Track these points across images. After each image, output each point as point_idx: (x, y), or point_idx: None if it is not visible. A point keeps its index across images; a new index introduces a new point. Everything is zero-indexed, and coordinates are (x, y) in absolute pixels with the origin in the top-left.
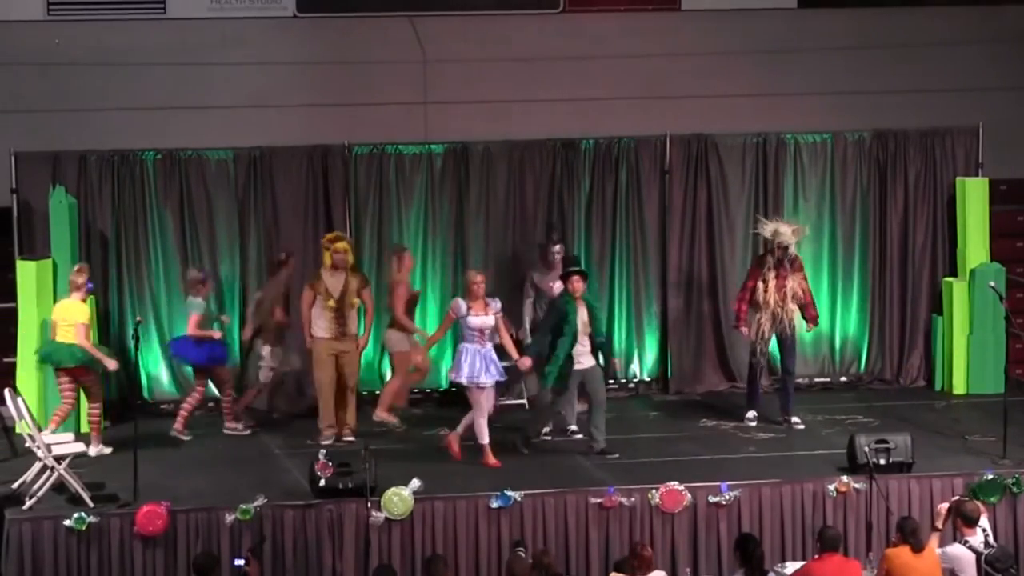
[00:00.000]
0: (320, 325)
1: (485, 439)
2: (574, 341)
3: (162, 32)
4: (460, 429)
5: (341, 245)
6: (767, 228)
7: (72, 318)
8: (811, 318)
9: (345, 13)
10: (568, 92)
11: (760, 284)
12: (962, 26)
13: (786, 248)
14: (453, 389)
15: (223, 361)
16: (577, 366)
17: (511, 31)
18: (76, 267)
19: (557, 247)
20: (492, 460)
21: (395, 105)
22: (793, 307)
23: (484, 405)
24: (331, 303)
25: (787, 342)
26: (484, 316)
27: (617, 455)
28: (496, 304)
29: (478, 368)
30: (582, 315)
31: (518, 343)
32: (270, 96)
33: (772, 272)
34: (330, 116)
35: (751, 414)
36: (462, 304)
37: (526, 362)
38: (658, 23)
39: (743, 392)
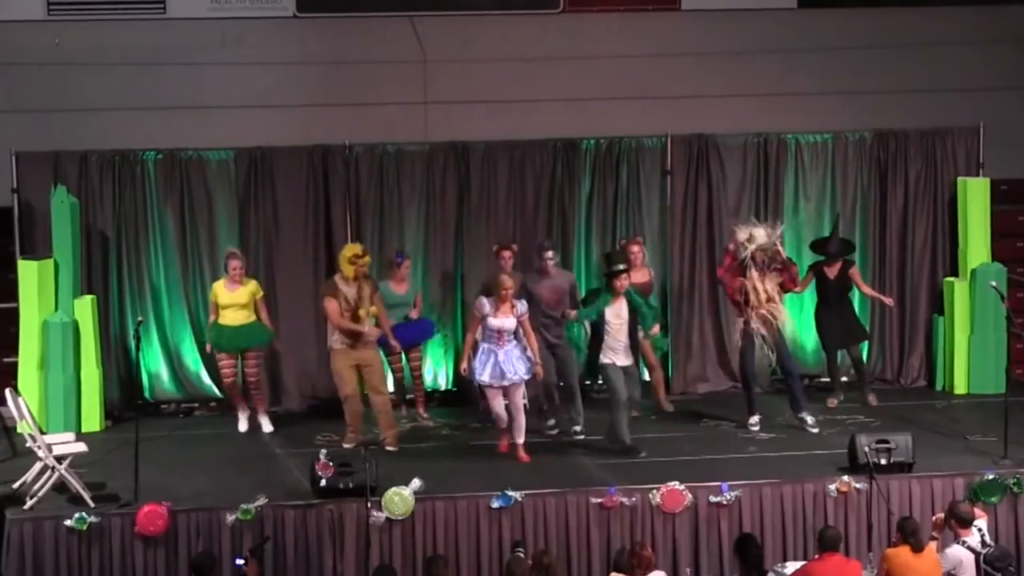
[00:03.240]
0: (338, 336)
1: (503, 424)
2: (593, 328)
3: (162, 32)
4: (516, 438)
5: (366, 260)
6: (742, 233)
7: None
8: (788, 288)
9: (345, 13)
10: (568, 92)
11: (747, 284)
12: (962, 26)
13: (763, 251)
14: (454, 389)
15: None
16: (612, 362)
17: (511, 31)
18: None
19: (549, 253)
20: (523, 455)
21: (395, 105)
22: (779, 307)
23: (494, 402)
24: (348, 312)
25: (778, 345)
26: (504, 318)
27: (644, 453)
28: (522, 306)
29: (487, 368)
30: (618, 310)
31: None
32: (270, 96)
33: (755, 273)
34: (330, 116)
35: (754, 419)
36: (485, 304)
37: (538, 371)
38: (658, 23)
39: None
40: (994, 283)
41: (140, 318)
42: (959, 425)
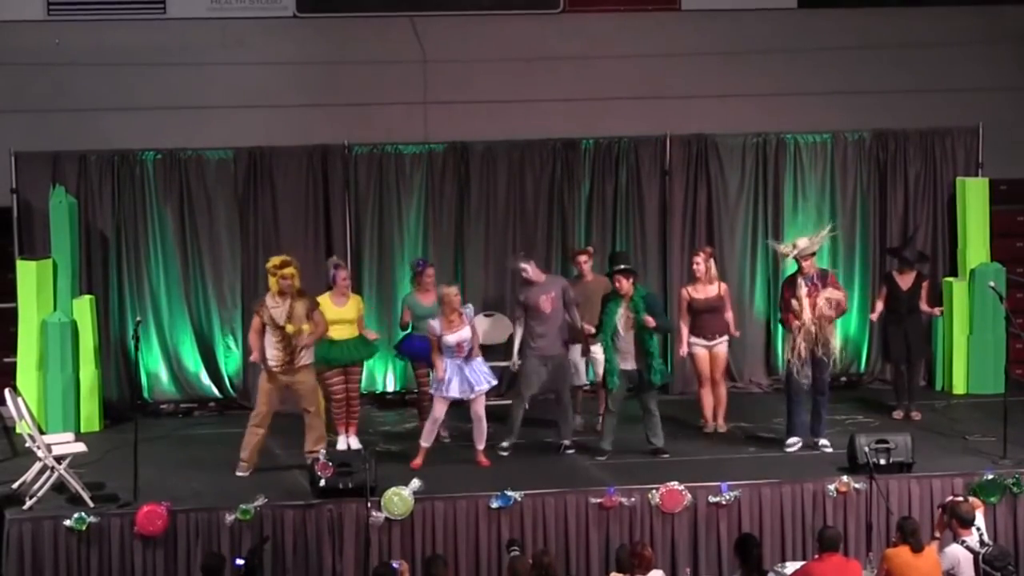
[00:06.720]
0: (272, 355)
1: (427, 443)
2: (611, 340)
3: (162, 32)
4: (477, 444)
5: (289, 271)
6: (783, 248)
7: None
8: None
9: (345, 13)
10: (568, 92)
11: (794, 301)
12: (962, 26)
13: (809, 257)
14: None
15: None
16: (622, 366)
17: (511, 31)
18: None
19: (523, 265)
20: (420, 461)
21: (395, 105)
22: (829, 326)
23: (438, 415)
24: (275, 332)
25: (820, 361)
26: (459, 331)
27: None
28: (469, 311)
29: (455, 383)
30: (623, 313)
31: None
32: (270, 96)
33: (804, 289)
34: (330, 116)
35: (793, 440)
36: (435, 325)
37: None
38: (658, 23)
39: (744, 392)
40: (992, 283)
41: (139, 318)
42: (958, 425)
